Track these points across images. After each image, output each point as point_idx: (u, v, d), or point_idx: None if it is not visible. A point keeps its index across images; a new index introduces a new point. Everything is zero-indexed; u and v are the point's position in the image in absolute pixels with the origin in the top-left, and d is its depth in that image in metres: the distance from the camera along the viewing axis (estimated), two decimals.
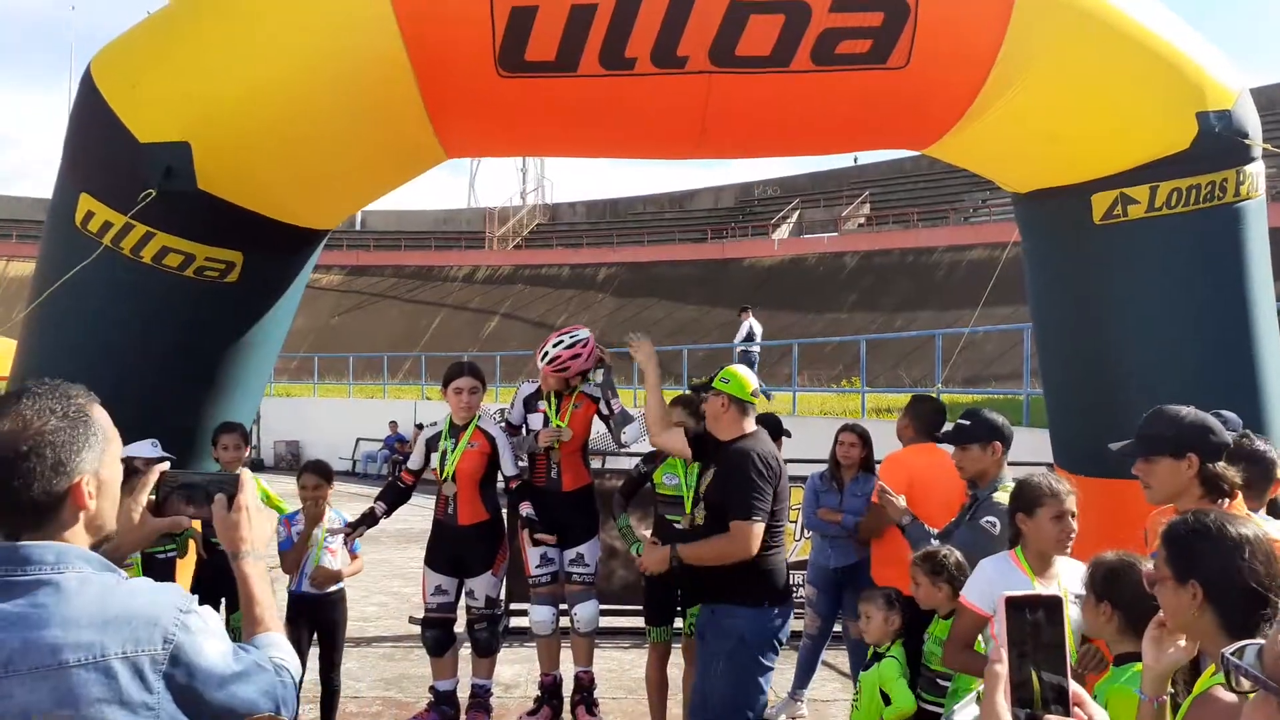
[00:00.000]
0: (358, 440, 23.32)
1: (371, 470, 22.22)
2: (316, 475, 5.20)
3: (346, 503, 17.90)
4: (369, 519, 5.08)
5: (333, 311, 41.07)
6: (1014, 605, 1.32)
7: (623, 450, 5.57)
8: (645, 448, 5.60)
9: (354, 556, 5.32)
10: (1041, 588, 3.27)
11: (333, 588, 5.19)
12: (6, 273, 41.39)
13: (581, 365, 5.06)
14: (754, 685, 3.93)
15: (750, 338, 18.50)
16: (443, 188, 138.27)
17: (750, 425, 4.10)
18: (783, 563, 4.08)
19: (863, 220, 38.37)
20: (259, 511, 1.80)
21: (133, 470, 4.27)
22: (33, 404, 1.52)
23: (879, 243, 34.94)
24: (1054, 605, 1.33)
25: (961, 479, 4.17)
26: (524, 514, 5.02)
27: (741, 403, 4.08)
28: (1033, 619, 1.31)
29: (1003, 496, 3.91)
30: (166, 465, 1.90)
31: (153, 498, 1.86)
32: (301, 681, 4.67)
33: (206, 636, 1.51)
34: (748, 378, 4.13)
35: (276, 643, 1.68)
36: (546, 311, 36.02)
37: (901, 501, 4.26)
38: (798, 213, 40.03)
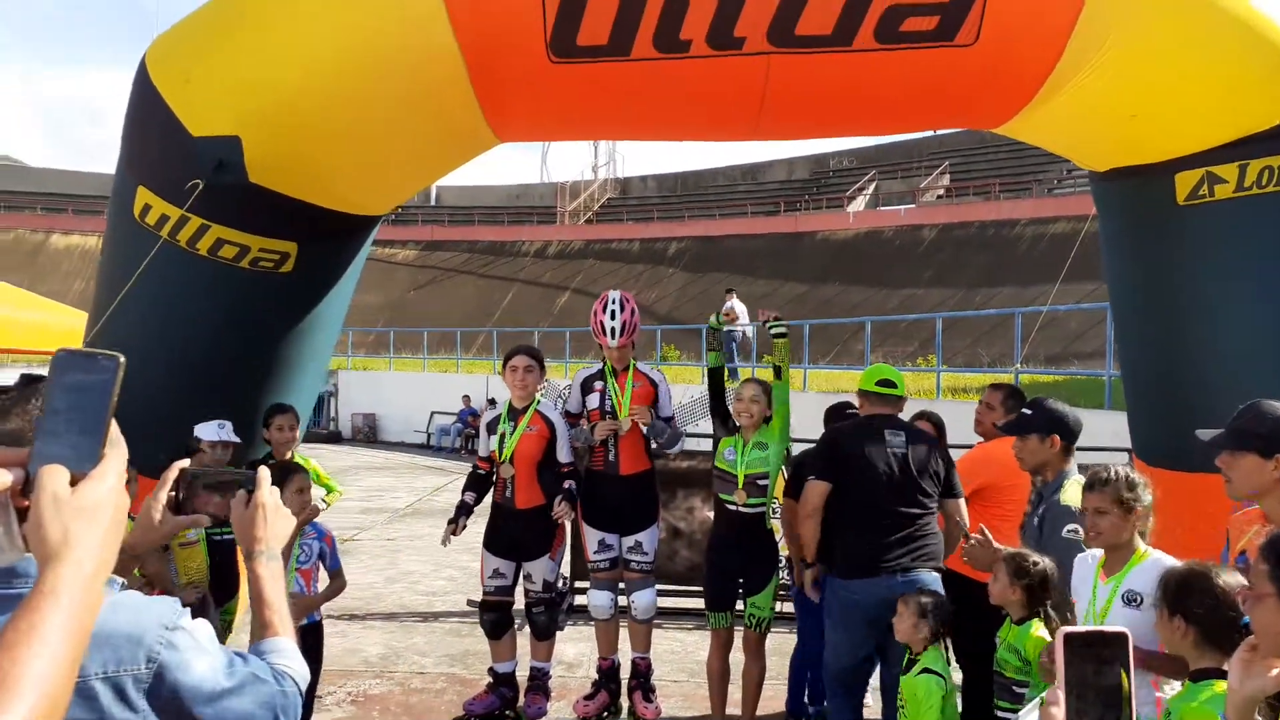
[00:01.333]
0: (432, 414, 23.71)
1: (445, 443, 22.59)
2: (296, 476, 4.12)
3: (422, 476, 18.28)
4: (466, 510, 5.10)
5: (408, 286, 41.76)
6: (1073, 642, 1.23)
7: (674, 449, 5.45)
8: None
9: (334, 575, 4.45)
10: (1101, 591, 3.09)
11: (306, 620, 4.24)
12: (100, 249, 43.07)
13: (638, 319, 5.10)
14: (833, 644, 4.25)
15: (736, 319, 19.16)
16: (515, 163, 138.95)
17: (876, 409, 4.40)
18: (865, 539, 4.16)
19: (941, 192, 37.33)
20: (277, 510, 1.75)
21: (193, 451, 4.33)
22: (40, 404, 1.50)
23: (958, 215, 33.93)
24: (1117, 643, 1.23)
25: (1022, 470, 3.99)
26: (566, 486, 4.99)
27: (866, 393, 4.45)
28: (1092, 657, 1.22)
29: (1069, 496, 3.74)
30: (186, 462, 1.88)
31: (173, 494, 1.82)
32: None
33: (195, 653, 1.45)
34: (876, 368, 4.57)
35: (283, 649, 1.62)
36: (617, 286, 36.00)
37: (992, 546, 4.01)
38: (874, 184, 39.14)
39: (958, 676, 4.87)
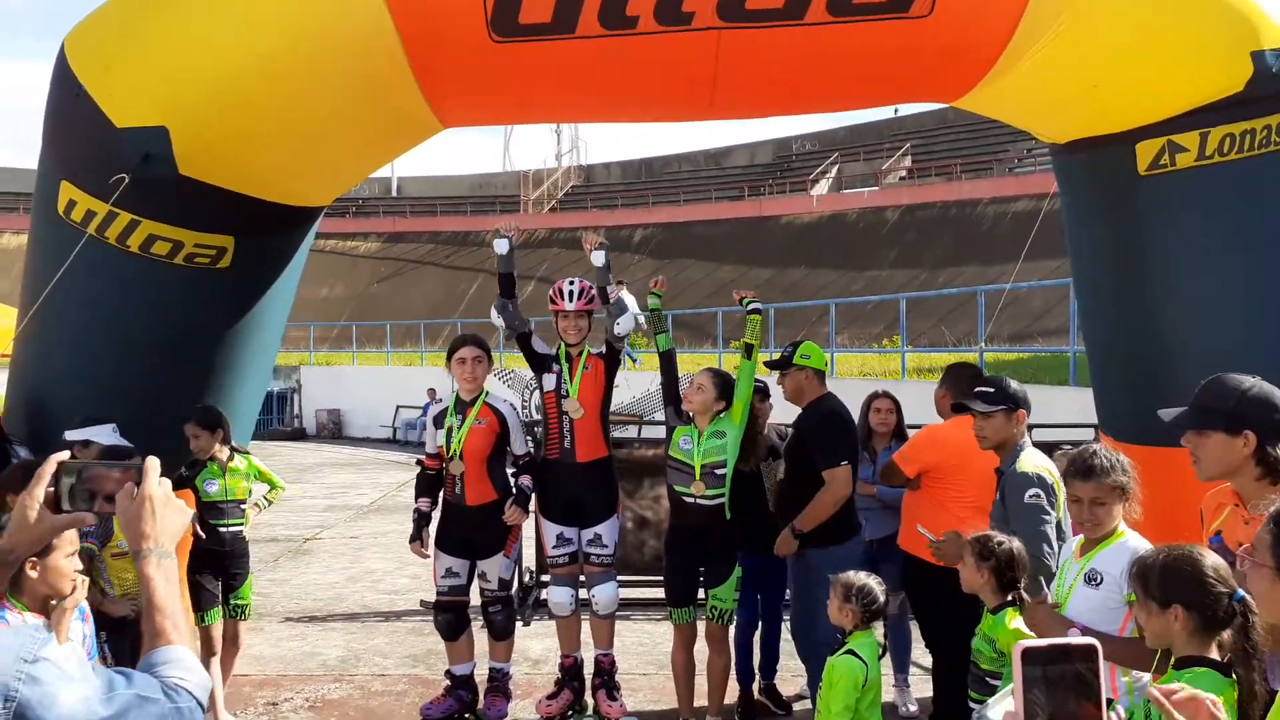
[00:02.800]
0: (397, 408, 23.44)
1: (412, 438, 22.32)
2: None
3: (387, 471, 18.11)
4: (425, 519, 4.96)
5: (371, 279, 41.29)
6: (1032, 658, 1.04)
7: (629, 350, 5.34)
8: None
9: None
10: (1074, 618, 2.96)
11: None
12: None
13: (596, 296, 5.01)
14: (817, 612, 4.36)
15: (622, 310, 19.70)
16: (478, 151, 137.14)
17: (823, 388, 4.75)
18: (850, 506, 4.67)
19: (904, 173, 37.48)
20: (166, 503, 1.59)
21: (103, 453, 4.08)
22: None
23: (921, 196, 34.12)
24: (1084, 656, 1.05)
25: (982, 448, 3.95)
26: (522, 484, 4.87)
27: (820, 373, 4.74)
28: (1056, 677, 1.02)
29: (1025, 464, 3.74)
30: (65, 455, 1.69)
31: (51, 491, 1.65)
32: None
33: (62, 684, 1.29)
34: (821, 351, 4.83)
35: (177, 658, 1.47)
36: (582, 275, 35.74)
37: (949, 536, 3.95)
38: (836, 167, 39.24)
39: (927, 661, 4.83)
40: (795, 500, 4.67)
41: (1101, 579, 2.89)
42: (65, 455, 1.68)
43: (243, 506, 5.07)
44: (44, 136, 4.31)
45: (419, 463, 5.21)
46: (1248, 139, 4.33)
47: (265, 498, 5.44)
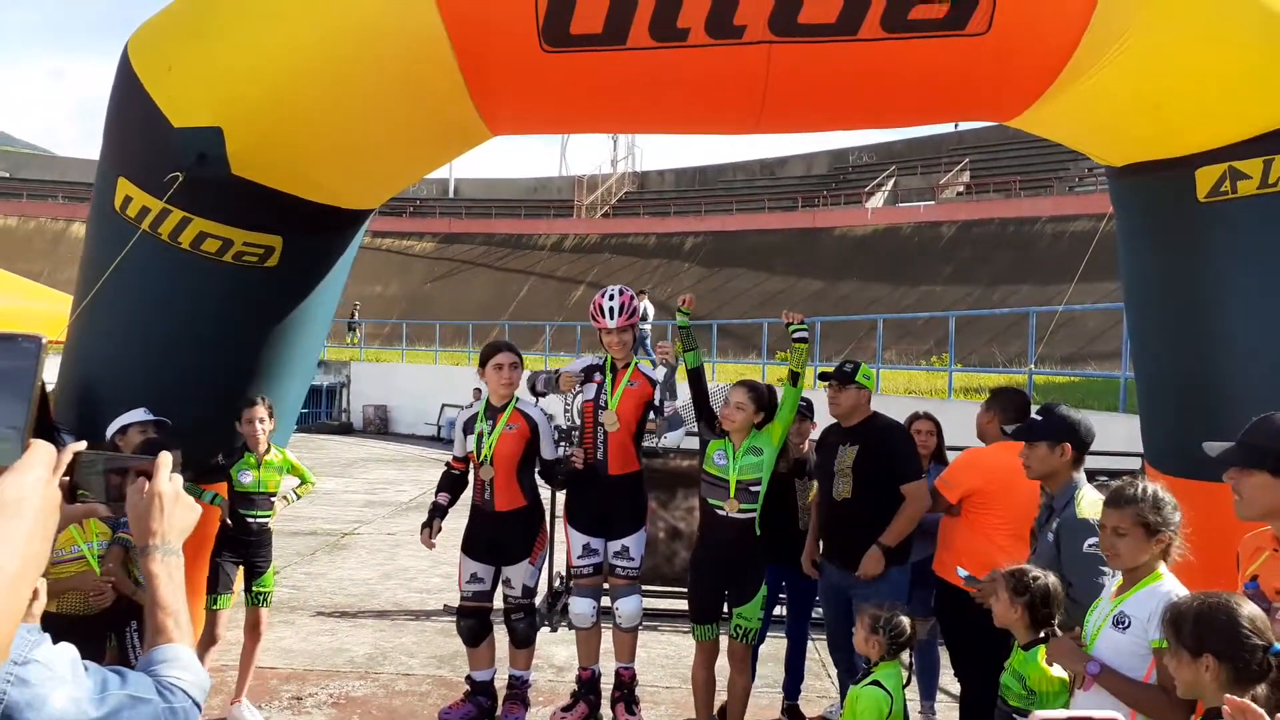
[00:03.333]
0: (443, 406, 23.64)
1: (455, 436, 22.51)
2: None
3: (429, 469, 18.21)
4: (440, 512, 5.00)
5: (425, 278, 41.76)
6: None
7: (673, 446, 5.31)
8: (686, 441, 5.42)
9: None
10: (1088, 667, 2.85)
11: None
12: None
13: (637, 307, 4.97)
14: None
15: (644, 318, 20.95)
16: (534, 155, 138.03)
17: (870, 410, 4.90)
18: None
19: (961, 188, 36.93)
20: (176, 499, 1.57)
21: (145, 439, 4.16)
22: None
23: (978, 212, 33.56)
24: None
25: (1028, 478, 3.82)
26: (566, 456, 4.88)
27: (870, 395, 4.90)
28: None
29: (1085, 509, 3.56)
30: (82, 445, 1.71)
31: (66, 480, 1.68)
32: None
33: (52, 686, 1.28)
34: (872, 370, 4.78)
35: (176, 657, 1.46)
36: (632, 280, 35.74)
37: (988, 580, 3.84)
38: (893, 180, 38.80)
39: (955, 688, 4.73)
40: (867, 516, 4.56)
41: (1129, 622, 2.79)
42: (82, 445, 1.70)
43: (273, 499, 5.14)
44: (104, 133, 4.43)
45: (447, 465, 5.25)
46: None
47: (295, 491, 5.49)
